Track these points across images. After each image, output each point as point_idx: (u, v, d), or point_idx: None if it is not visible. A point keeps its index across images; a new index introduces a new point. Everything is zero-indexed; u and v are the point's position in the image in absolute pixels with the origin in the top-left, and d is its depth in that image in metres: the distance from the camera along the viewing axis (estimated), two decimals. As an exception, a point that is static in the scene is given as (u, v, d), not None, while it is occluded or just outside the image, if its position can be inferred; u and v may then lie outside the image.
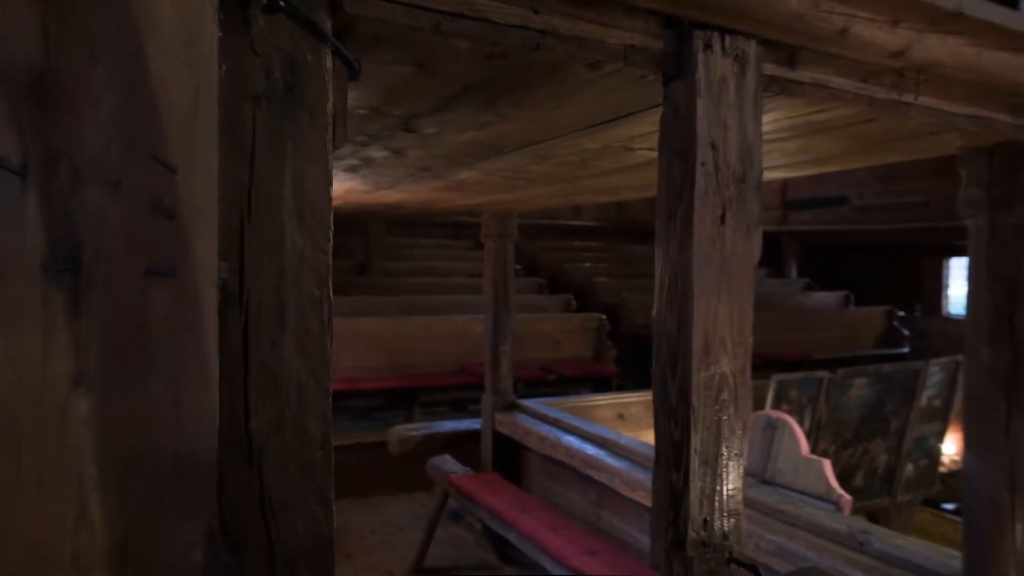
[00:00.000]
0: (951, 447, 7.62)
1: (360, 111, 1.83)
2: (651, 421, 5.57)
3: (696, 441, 1.40)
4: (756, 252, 1.46)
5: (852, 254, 13.54)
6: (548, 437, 4.53)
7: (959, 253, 12.57)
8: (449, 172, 2.93)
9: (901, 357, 9.91)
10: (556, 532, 3.74)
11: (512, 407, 5.26)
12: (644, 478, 3.70)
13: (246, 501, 1.07)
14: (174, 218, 0.92)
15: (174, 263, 0.93)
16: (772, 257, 12.40)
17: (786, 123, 1.85)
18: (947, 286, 12.49)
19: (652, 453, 3.64)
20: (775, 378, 5.99)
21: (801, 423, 6.35)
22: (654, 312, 1.51)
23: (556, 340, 7.79)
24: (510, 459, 5.13)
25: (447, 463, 5.02)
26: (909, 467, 7.23)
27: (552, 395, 7.07)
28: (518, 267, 10.19)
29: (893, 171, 9.77)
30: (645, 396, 5.99)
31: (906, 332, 10.12)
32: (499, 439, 5.16)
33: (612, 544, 3.89)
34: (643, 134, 2.07)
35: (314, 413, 1.12)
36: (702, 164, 1.40)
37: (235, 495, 1.05)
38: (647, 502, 3.65)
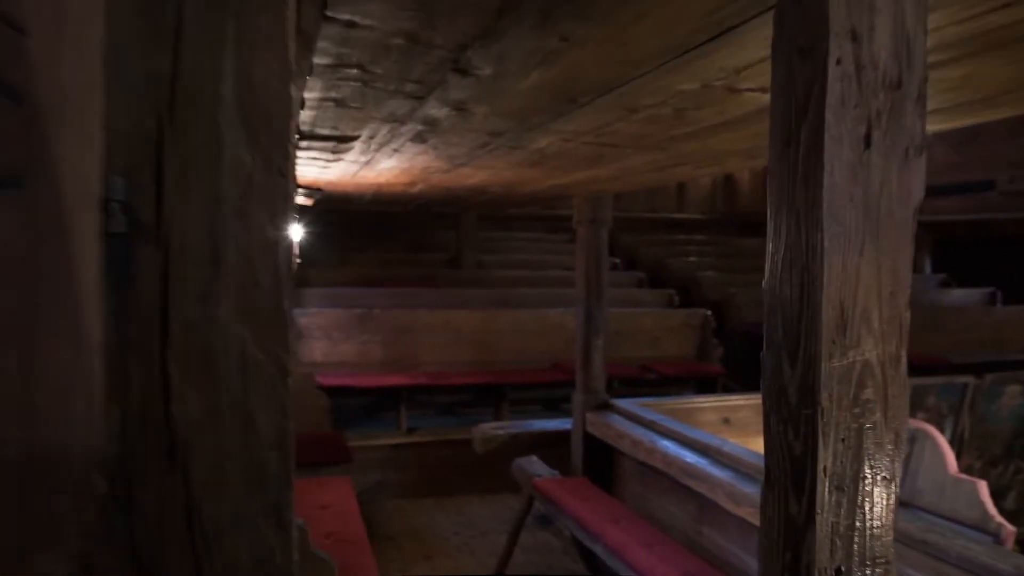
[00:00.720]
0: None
1: (395, 40, 1.52)
2: (761, 427, 4.97)
3: (826, 457, 0.98)
4: (918, 189, 1.02)
5: (999, 246, 12.10)
6: (643, 441, 4.09)
7: None
8: (524, 138, 2.59)
9: (1059, 364, 8.66)
10: (649, 548, 3.32)
11: (605, 407, 4.84)
12: (752, 492, 3.20)
13: (166, 519, 0.76)
14: (22, 102, 0.62)
15: (20, 169, 0.62)
16: (901, 251, 11.25)
17: (951, 33, 1.37)
18: (1115, 284, 10.88)
19: (762, 464, 3.15)
20: (911, 384, 5.25)
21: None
22: (765, 278, 1.09)
23: (656, 337, 7.28)
24: (601, 463, 4.72)
25: (533, 465, 4.68)
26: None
27: (650, 396, 6.58)
28: (616, 261, 9.73)
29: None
30: (755, 399, 5.41)
31: (1065, 335, 8.84)
32: (590, 441, 4.76)
33: (713, 567, 3.42)
34: (752, 64, 1.64)
35: (266, 399, 0.80)
36: (837, 62, 0.97)
37: (150, 510, 0.75)
38: (755, 519, 3.16)
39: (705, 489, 3.50)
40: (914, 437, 3.16)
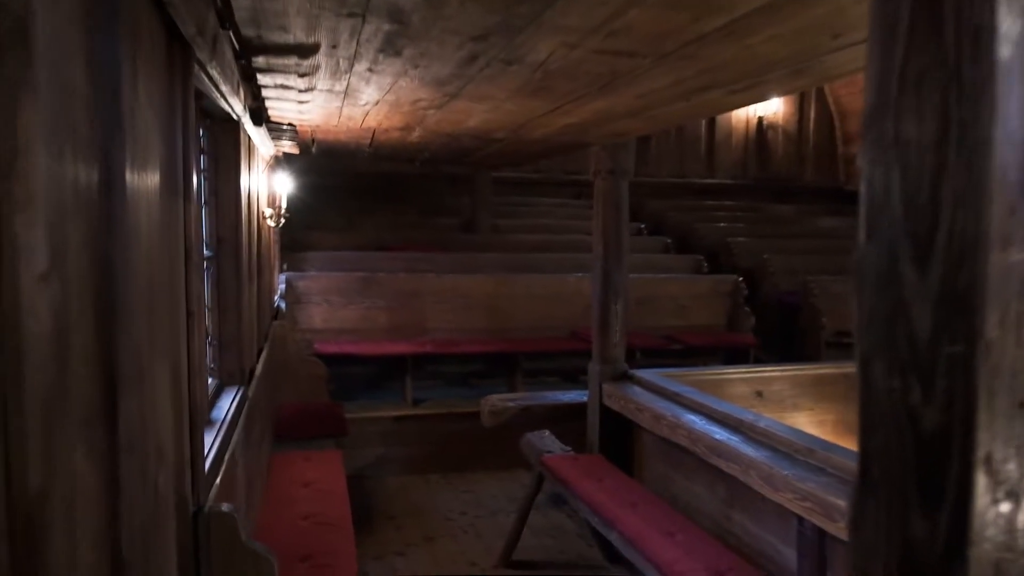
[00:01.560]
0: None
1: None
2: (798, 402, 4.37)
3: (989, 439, 0.51)
4: None
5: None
6: (665, 415, 3.63)
7: None
8: (517, 43, 2.11)
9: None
10: (670, 538, 2.87)
11: (624, 378, 4.38)
12: (792, 475, 2.73)
13: None
14: None
15: None
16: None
17: None
18: None
19: (803, 442, 2.65)
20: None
21: None
22: (863, 117, 0.61)
23: (682, 305, 6.78)
24: (620, 439, 4.27)
25: (544, 440, 4.26)
26: None
27: (679, 368, 6.10)
28: (641, 226, 9.19)
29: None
30: (791, 370, 4.90)
31: None
32: (607, 415, 4.31)
33: (744, 559, 2.97)
34: None
35: None
36: None
37: None
38: (795, 507, 2.70)
39: (737, 470, 3.04)
40: None
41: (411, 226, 8.13)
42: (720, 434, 3.26)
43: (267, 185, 4.18)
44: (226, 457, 2.06)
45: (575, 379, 6.41)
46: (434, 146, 4.72)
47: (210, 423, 2.16)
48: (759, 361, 6.82)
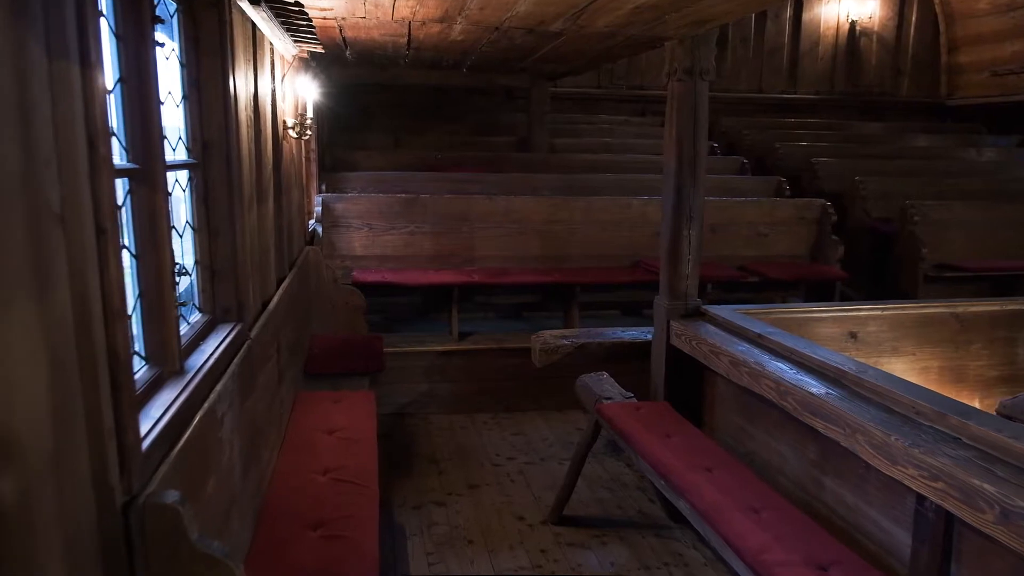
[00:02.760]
0: None
1: None
2: (898, 345, 3.57)
3: None
4: None
5: None
6: (746, 361, 3.06)
7: None
8: None
9: None
10: (756, 516, 2.36)
11: (695, 315, 3.81)
12: (916, 445, 2.16)
13: None
14: None
15: None
16: (1069, 134, 9.28)
17: None
18: None
19: (930, 403, 2.09)
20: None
21: None
22: None
23: (761, 233, 6.06)
24: (689, 385, 3.74)
25: (602, 384, 3.76)
26: None
27: (752, 304, 5.48)
28: (715, 145, 8.36)
29: None
30: (890, 309, 4.22)
31: None
32: (676, 357, 3.77)
33: (843, 540, 2.44)
34: None
35: None
36: None
37: None
38: (921, 487, 2.14)
39: (839, 434, 2.48)
40: None
41: (463, 145, 7.55)
42: (817, 387, 2.68)
43: (290, 91, 3.67)
44: (197, 418, 1.63)
45: (639, 313, 5.86)
46: (481, 45, 4.08)
47: (180, 372, 1.73)
48: (845, 297, 6.11)
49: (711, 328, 3.61)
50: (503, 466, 4.17)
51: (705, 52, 3.68)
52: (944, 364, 4.32)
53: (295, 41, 3.39)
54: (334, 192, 5.56)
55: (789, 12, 9.84)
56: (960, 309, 4.30)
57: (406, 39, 3.96)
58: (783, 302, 6.14)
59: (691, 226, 3.78)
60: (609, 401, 3.48)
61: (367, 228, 5.23)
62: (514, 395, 4.95)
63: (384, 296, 5.16)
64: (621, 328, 4.54)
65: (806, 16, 9.89)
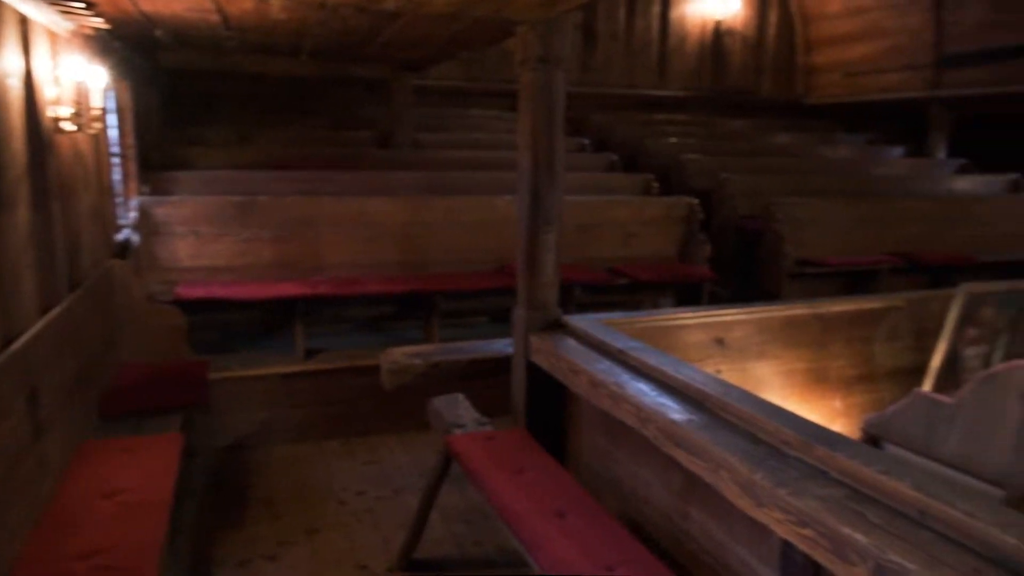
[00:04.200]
0: None
1: None
2: (765, 349, 3.26)
3: None
4: None
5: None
6: (606, 382, 2.75)
7: None
8: None
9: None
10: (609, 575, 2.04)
11: (556, 327, 3.49)
12: (782, 485, 1.89)
13: None
14: None
15: None
16: (913, 132, 9.83)
17: None
18: None
19: (795, 430, 1.84)
20: (966, 289, 3.95)
21: (989, 355, 4.33)
22: None
23: (630, 232, 5.88)
24: (554, 405, 3.42)
25: (457, 409, 3.37)
26: None
27: (620, 308, 5.27)
28: (584, 142, 8.18)
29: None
30: (755, 313, 4.08)
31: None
32: (536, 376, 3.44)
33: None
34: None
35: None
36: None
37: None
38: (788, 533, 1.88)
39: (703, 469, 2.20)
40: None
41: (320, 141, 6.94)
42: (679, 413, 2.40)
43: (69, 75, 3.01)
44: None
45: (508, 320, 5.52)
46: (311, 26, 3.57)
47: None
48: (715, 297, 6.05)
49: (571, 343, 3.30)
50: (350, 504, 3.70)
51: (560, 39, 3.35)
52: (808, 366, 4.24)
53: (63, 12, 2.76)
54: (159, 195, 4.85)
55: (657, 8, 9.86)
56: (822, 310, 4.24)
57: (219, 16, 3.39)
58: (653, 305, 6.00)
59: (549, 230, 3.46)
60: (460, 431, 3.09)
61: (194, 235, 4.57)
62: (369, 417, 4.47)
63: (215, 313, 4.53)
64: (485, 340, 4.17)
65: (674, 13, 9.95)
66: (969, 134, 10.09)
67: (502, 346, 3.95)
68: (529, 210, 3.42)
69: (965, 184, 8.12)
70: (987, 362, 4.27)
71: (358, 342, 4.87)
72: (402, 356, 3.74)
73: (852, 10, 9.56)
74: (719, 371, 4.15)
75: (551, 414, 3.43)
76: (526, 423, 3.41)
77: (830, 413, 4.46)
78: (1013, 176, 8.36)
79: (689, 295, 5.82)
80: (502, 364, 3.80)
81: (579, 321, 3.44)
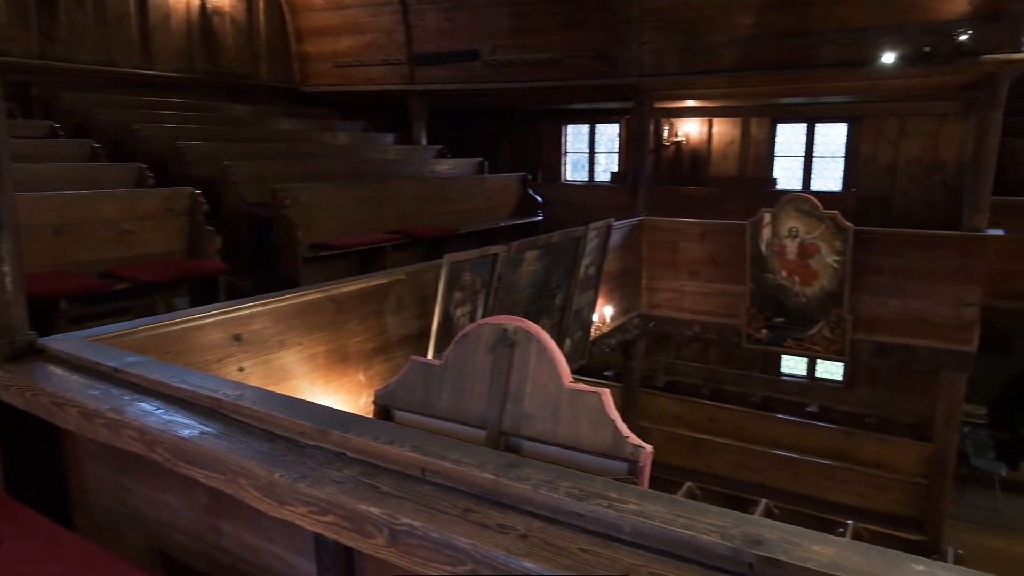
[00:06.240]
0: (595, 315, 7.36)
1: None
2: (285, 339, 3.30)
3: None
4: None
5: (477, 120, 12.87)
6: (100, 411, 2.38)
7: (575, 120, 12.77)
8: None
9: (535, 226, 9.55)
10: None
11: (31, 354, 2.88)
12: (301, 478, 1.91)
13: None
14: None
15: None
16: (399, 121, 10.98)
17: None
18: (566, 152, 12.65)
19: (311, 421, 1.89)
20: (449, 260, 4.59)
21: (474, 313, 5.15)
22: None
23: (125, 230, 5.22)
24: (40, 458, 2.82)
25: None
26: (568, 342, 6.71)
27: (130, 315, 4.68)
28: (56, 126, 6.94)
29: (526, 23, 8.91)
30: (273, 303, 4.06)
31: (539, 199, 9.75)
32: (12, 420, 2.78)
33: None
34: None
35: None
36: None
37: None
38: (313, 525, 1.90)
39: (221, 481, 2.07)
40: (515, 341, 2.27)
41: None
42: (189, 428, 2.22)
43: None
44: None
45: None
46: None
47: None
48: (233, 289, 5.82)
49: (54, 370, 2.76)
50: None
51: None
52: (329, 347, 4.42)
53: None
54: None
55: (130, -24, 8.85)
56: (334, 292, 4.44)
57: None
58: (167, 307, 5.48)
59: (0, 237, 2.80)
60: None
61: None
62: None
63: None
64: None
65: (150, -15, 9.07)
66: (444, 123, 11.75)
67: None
68: (-34, 215, 2.71)
69: (443, 167, 9.44)
70: (472, 319, 5.07)
71: None
72: None
73: (333, 4, 10.11)
74: (242, 368, 4.02)
75: (47, 458, 2.84)
76: (4, 485, 2.75)
77: (356, 387, 4.74)
78: (477, 160, 10.06)
79: (206, 292, 5.48)
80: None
81: (62, 343, 2.90)
